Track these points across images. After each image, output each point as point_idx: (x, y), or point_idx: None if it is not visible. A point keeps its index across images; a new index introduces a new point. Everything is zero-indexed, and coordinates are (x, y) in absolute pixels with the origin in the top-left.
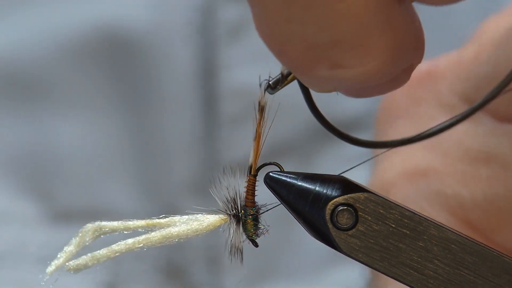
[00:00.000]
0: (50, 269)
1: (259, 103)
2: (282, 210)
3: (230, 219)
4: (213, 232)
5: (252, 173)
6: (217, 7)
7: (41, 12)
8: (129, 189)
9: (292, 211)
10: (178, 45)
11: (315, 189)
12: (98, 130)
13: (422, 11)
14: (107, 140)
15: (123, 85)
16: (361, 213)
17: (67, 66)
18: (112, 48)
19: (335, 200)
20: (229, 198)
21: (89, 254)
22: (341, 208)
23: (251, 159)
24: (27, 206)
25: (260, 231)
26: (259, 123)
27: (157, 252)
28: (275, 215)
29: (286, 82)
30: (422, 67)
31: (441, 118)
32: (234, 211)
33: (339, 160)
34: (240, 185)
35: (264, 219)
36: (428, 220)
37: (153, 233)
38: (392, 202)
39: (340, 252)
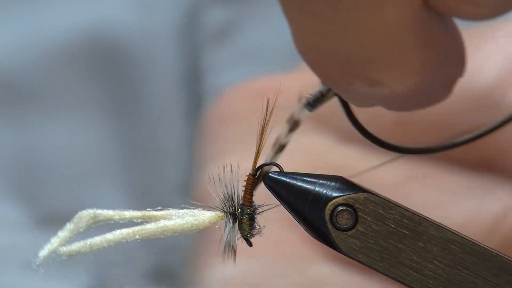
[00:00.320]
0: (43, 252)
1: (294, 118)
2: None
3: (227, 216)
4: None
5: (251, 173)
6: (202, 10)
7: (28, 16)
8: (116, 192)
9: (291, 211)
10: (164, 48)
11: (314, 190)
12: (85, 133)
13: None
14: (94, 144)
15: (109, 88)
16: (360, 214)
17: (53, 69)
18: (99, 51)
19: (334, 200)
20: (227, 196)
21: (82, 241)
22: (341, 208)
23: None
24: (14, 210)
25: (256, 231)
26: (264, 125)
27: (145, 256)
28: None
29: (325, 99)
30: (264, 81)
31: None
32: (231, 209)
33: None
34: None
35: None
36: (427, 220)
37: (148, 225)
38: (392, 203)
39: (339, 252)
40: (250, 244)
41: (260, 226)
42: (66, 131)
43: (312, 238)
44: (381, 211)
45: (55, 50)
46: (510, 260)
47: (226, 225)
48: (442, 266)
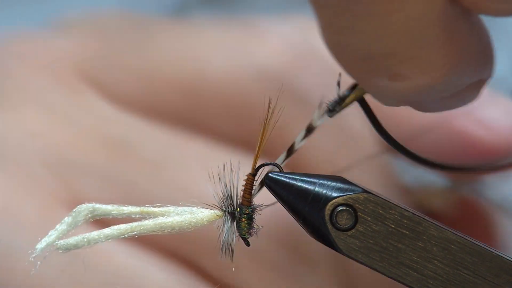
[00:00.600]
0: (40, 245)
1: (311, 124)
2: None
3: (225, 215)
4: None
5: (251, 172)
6: (189, 10)
7: None
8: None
9: (291, 211)
10: None
11: (314, 190)
12: None
13: None
14: None
15: None
16: (360, 214)
17: None
18: None
19: (334, 200)
20: (226, 195)
21: (80, 235)
22: (341, 208)
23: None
24: None
25: (253, 230)
26: (264, 125)
27: None
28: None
29: (344, 104)
30: None
31: None
32: (230, 208)
33: None
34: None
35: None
36: (427, 220)
37: (146, 221)
38: (392, 203)
39: (339, 252)
40: (247, 244)
41: (258, 226)
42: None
43: None
44: (381, 211)
45: None
46: (510, 260)
47: (224, 224)
48: (442, 266)
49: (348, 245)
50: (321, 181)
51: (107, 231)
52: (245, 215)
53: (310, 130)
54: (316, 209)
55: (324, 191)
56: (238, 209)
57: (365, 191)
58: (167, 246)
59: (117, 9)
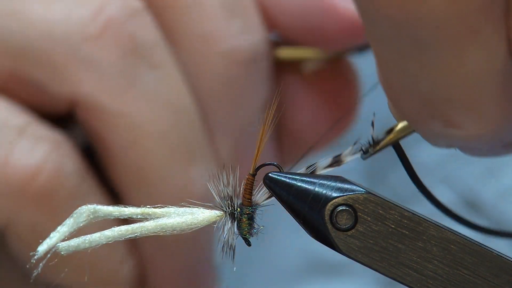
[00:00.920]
0: (41, 247)
1: (341, 158)
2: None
3: (226, 216)
4: None
5: (251, 173)
6: None
7: None
8: None
9: (291, 211)
10: None
11: (314, 190)
12: None
13: None
14: None
15: None
16: (360, 214)
17: None
18: None
19: (334, 200)
20: (226, 195)
21: (81, 237)
22: (341, 208)
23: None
24: None
25: (254, 230)
26: (264, 125)
27: None
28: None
29: (379, 147)
30: None
31: None
32: (231, 209)
33: None
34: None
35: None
36: (427, 220)
37: (147, 222)
38: (392, 203)
39: (339, 252)
40: (248, 244)
41: (259, 225)
42: None
43: None
44: (381, 211)
45: None
46: (510, 260)
47: (225, 225)
48: (442, 266)
49: (348, 245)
50: (321, 181)
51: (108, 232)
52: (246, 215)
53: (337, 162)
54: (316, 209)
55: (324, 191)
56: (238, 209)
57: (365, 191)
58: None
59: None
